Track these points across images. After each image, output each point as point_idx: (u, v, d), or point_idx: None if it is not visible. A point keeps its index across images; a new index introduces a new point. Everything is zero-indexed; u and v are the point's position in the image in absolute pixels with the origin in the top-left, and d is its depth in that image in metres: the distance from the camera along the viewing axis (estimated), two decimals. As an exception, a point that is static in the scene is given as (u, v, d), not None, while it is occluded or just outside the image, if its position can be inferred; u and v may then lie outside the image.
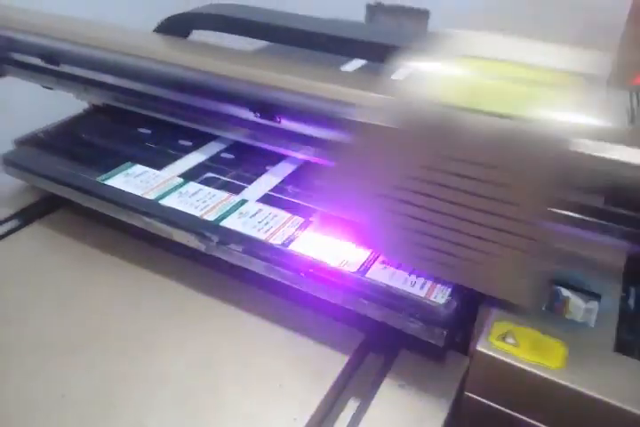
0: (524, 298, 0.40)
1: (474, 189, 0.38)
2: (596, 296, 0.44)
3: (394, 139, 0.40)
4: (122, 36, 0.64)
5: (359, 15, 1.30)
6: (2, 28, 0.69)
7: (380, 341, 0.47)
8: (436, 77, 0.41)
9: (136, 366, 0.44)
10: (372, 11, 1.30)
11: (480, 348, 0.38)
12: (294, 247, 0.47)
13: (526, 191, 0.37)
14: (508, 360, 0.37)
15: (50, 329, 0.48)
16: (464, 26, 1.03)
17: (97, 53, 0.61)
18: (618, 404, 0.34)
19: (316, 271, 0.45)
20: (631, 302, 0.44)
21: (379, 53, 0.51)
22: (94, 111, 0.71)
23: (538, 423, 0.38)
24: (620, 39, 0.53)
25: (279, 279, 0.47)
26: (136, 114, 0.65)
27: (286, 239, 0.48)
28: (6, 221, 0.60)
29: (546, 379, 0.36)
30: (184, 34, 0.69)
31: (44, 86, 0.72)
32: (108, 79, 0.63)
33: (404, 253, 0.44)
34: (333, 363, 0.44)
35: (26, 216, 0.61)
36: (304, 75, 0.51)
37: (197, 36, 0.70)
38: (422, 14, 1.25)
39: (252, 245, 0.48)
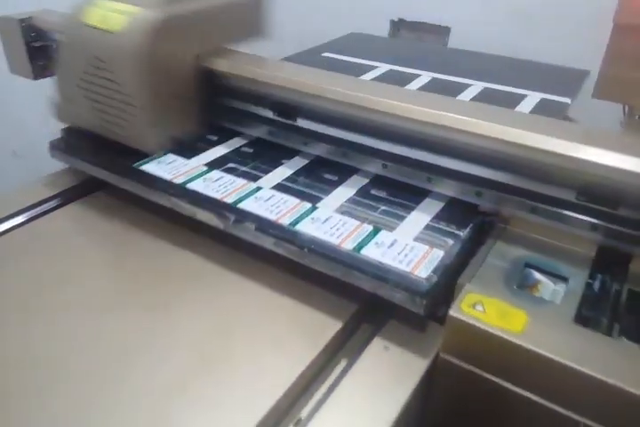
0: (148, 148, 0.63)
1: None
2: (565, 279, 0.49)
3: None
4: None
5: (384, 30, 1.37)
6: (56, 31, 0.78)
7: (372, 311, 0.53)
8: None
9: (159, 323, 0.51)
10: (396, 26, 1.37)
11: (452, 313, 0.43)
12: (300, 227, 0.54)
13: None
14: (475, 324, 0.42)
15: (87, 291, 0.55)
16: (480, 41, 1.10)
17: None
18: (568, 363, 0.40)
19: (318, 248, 0.52)
20: (596, 285, 0.49)
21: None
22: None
23: (501, 381, 0.44)
24: (604, 54, 0.58)
25: (285, 254, 0.54)
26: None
27: (294, 220, 0.55)
28: (49, 200, 0.68)
29: (506, 340, 0.41)
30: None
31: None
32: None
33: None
34: (329, 328, 0.50)
35: (66, 197, 0.69)
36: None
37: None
38: (443, 30, 1.32)
39: (263, 224, 0.55)
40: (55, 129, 0.73)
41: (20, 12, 0.79)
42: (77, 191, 0.70)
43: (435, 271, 0.49)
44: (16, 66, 0.83)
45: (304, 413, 0.44)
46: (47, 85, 1.00)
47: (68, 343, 0.49)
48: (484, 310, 0.44)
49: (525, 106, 0.78)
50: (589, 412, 0.41)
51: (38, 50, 0.81)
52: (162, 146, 0.66)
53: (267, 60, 0.67)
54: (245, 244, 0.56)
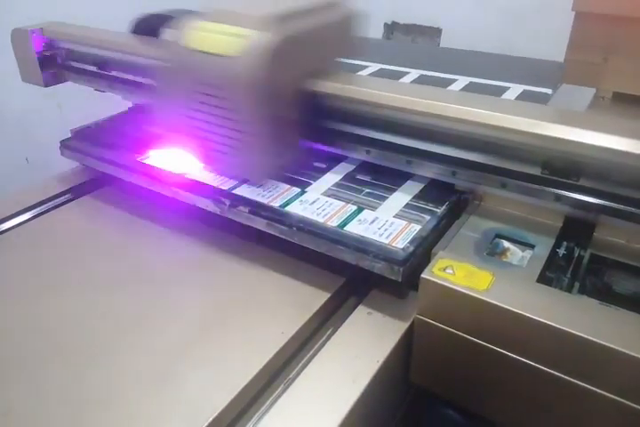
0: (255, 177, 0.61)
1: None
2: (532, 247, 0.53)
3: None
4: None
5: (378, 33, 1.42)
6: (64, 41, 0.84)
7: (357, 284, 0.57)
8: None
9: (161, 299, 0.56)
10: (389, 29, 1.42)
11: (424, 275, 0.48)
12: (289, 209, 0.59)
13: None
14: (443, 284, 0.47)
15: (101, 270, 0.60)
16: (469, 41, 1.14)
17: (141, 60, 0.75)
18: (528, 314, 0.44)
19: (305, 226, 0.56)
20: (560, 250, 0.53)
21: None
22: (137, 110, 0.85)
23: (472, 338, 0.48)
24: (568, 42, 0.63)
25: (276, 234, 0.58)
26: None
27: (283, 203, 0.60)
28: (62, 195, 0.74)
29: (471, 297, 0.45)
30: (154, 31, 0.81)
31: (96, 89, 0.87)
32: (149, 81, 0.76)
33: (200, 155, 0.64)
34: (317, 299, 0.55)
35: (76, 192, 0.75)
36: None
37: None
38: (435, 31, 1.36)
39: (256, 207, 0.59)
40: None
41: (31, 24, 0.85)
42: (85, 187, 0.75)
43: (411, 242, 0.53)
44: (27, 74, 0.89)
45: (294, 373, 0.49)
46: (58, 95, 1.06)
47: (82, 314, 0.54)
48: (453, 272, 0.48)
49: (508, 97, 0.83)
50: (550, 360, 0.45)
51: (48, 58, 0.87)
52: (269, 175, 0.64)
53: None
54: (239, 228, 0.61)
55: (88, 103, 1.00)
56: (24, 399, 0.45)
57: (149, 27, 0.77)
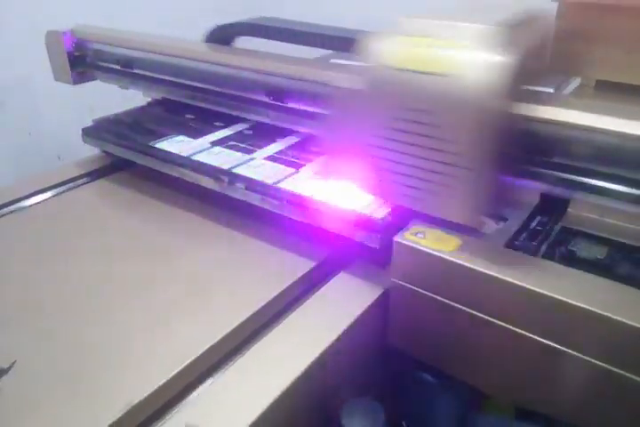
0: (469, 219, 0.51)
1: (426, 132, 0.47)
2: (505, 219, 0.56)
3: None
4: (181, 44, 0.84)
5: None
6: (92, 41, 0.92)
7: (341, 255, 0.61)
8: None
9: (160, 266, 0.61)
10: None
11: (396, 239, 0.51)
12: (282, 185, 0.63)
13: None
14: (412, 245, 0.50)
15: (113, 242, 0.66)
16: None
17: (161, 58, 0.81)
18: (491, 273, 0.47)
19: (295, 199, 0.61)
20: (532, 223, 0.55)
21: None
22: (155, 103, 0.92)
23: (438, 297, 0.51)
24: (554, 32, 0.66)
25: (269, 208, 0.63)
26: (185, 105, 0.84)
27: (277, 181, 0.64)
28: (80, 177, 0.81)
29: (438, 257, 0.49)
30: (229, 41, 0.87)
31: (120, 87, 0.94)
32: (167, 78, 0.83)
33: (383, 191, 0.55)
34: (304, 266, 0.59)
35: (93, 175, 0.81)
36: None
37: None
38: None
39: (251, 184, 0.64)
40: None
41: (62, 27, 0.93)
42: (102, 172, 0.82)
43: (389, 213, 0.57)
44: (59, 73, 0.97)
45: (274, 323, 0.53)
46: (87, 94, 1.14)
47: (86, 278, 0.59)
48: (424, 236, 0.51)
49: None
50: (517, 320, 0.48)
51: (77, 58, 0.94)
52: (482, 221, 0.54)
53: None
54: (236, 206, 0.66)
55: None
56: (35, 343, 0.51)
57: (223, 35, 0.84)
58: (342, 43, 0.67)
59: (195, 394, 0.47)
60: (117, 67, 0.90)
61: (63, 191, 0.76)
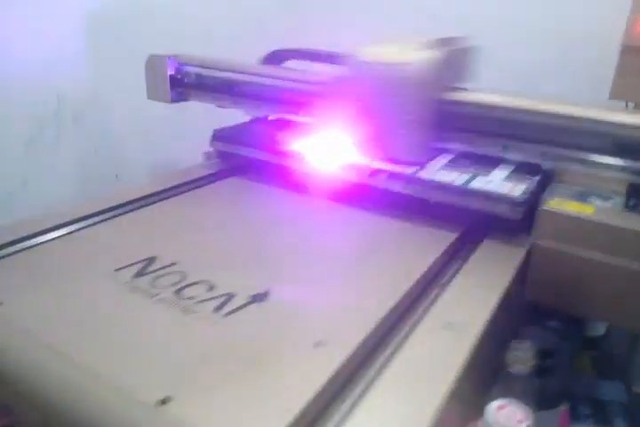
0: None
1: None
2: (610, 199, 0.72)
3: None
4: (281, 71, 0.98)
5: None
6: (193, 66, 1.04)
7: (477, 230, 0.74)
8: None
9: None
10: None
11: (543, 207, 0.66)
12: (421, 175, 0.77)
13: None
14: (559, 211, 0.65)
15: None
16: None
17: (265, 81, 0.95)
18: (627, 226, 0.62)
19: (442, 186, 0.74)
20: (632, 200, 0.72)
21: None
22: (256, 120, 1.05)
23: (582, 251, 0.65)
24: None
25: (413, 194, 0.76)
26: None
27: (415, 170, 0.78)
28: (204, 178, 0.91)
29: (585, 219, 0.64)
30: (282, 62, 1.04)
31: (217, 106, 1.06)
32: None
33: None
34: (444, 240, 0.71)
35: (213, 178, 0.93)
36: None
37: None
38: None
39: (389, 175, 0.78)
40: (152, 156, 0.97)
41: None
42: (220, 175, 0.94)
43: (524, 193, 0.71)
44: (155, 93, 1.08)
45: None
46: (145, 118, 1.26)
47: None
48: (563, 206, 0.66)
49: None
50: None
51: (177, 80, 1.06)
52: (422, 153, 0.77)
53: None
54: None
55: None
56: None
57: (277, 58, 0.99)
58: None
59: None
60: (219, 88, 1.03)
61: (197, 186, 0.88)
